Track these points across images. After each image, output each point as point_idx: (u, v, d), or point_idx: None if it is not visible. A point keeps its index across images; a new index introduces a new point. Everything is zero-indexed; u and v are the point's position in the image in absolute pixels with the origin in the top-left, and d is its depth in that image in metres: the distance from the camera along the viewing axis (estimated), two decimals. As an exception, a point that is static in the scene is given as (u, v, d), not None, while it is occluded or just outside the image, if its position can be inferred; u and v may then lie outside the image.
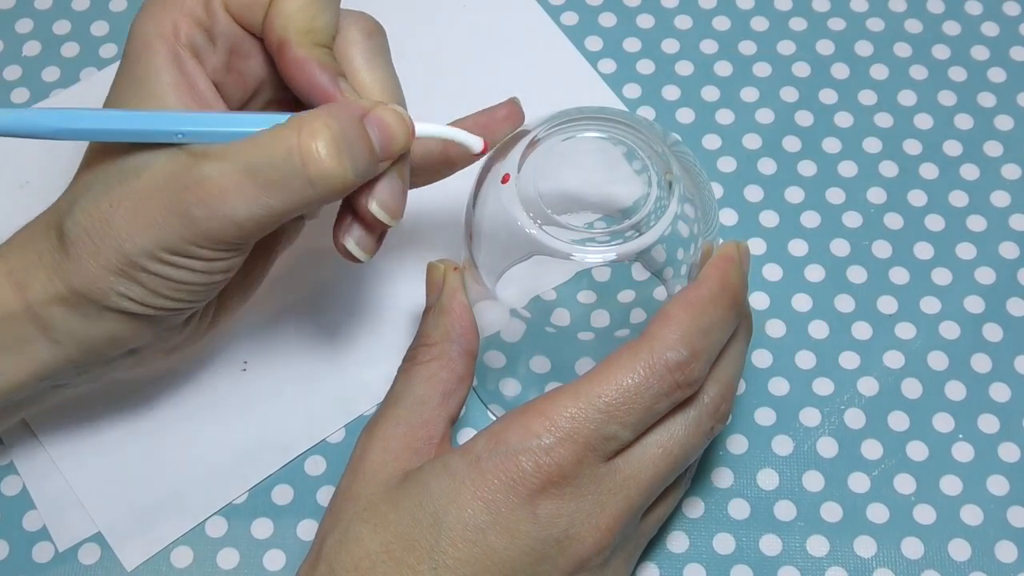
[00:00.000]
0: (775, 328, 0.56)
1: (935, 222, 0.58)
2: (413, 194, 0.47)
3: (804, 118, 0.61)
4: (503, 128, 0.48)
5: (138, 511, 0.52)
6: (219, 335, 0.55)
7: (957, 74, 0.62)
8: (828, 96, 0.61)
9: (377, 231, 0.46)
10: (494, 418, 0.52)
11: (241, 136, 0.43)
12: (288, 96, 0.46)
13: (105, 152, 0.45)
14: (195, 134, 0.43)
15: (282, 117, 0.43)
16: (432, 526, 0.42)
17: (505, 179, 0.47)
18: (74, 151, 0.48)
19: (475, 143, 0.47)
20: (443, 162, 0.48)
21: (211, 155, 0.43)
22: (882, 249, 0.58)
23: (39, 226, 0.45)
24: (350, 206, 0.45)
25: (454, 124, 0.48)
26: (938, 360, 0.55)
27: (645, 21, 0.64)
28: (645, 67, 0.62)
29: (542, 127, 0.48)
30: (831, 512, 0.52)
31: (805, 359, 0.55)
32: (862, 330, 0.56)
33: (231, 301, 0.50)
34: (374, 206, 0.45)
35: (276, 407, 0.54)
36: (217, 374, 0.55)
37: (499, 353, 0.51)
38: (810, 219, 0.58)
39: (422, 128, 0.45)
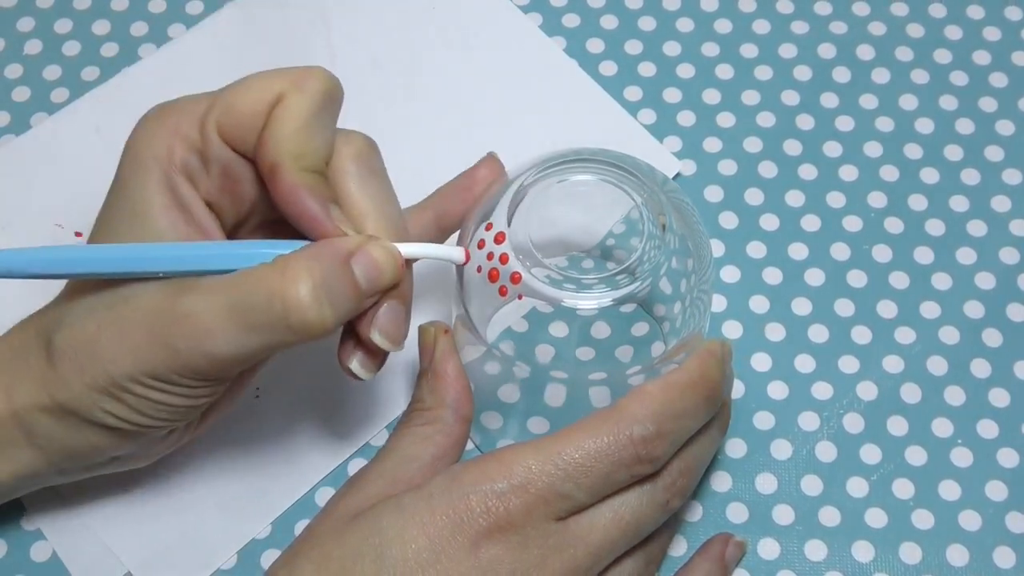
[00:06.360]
0: (774, 332, 0.56)
1: (935, 226, 0.58)
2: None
3: (805, 121, 0.61)
4: (484, 186, 0.49)
5: (159, 549, 0.51)
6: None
7: (958, 78, 0.62)
8: (829, 100, 0.61)
9: (380, 355, 0.46)
10: None
11: (224, 271, 0.43)
12: (282, 216, 0.45)
13: None
14: (176, 272, 0.43)
15: (270, 253, 0.43)
16: (374, 561, 0.42)
17: (488, 227, 0.46)
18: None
19: (457, 256, 0.47)
20: (435, 237, 0.50)
21: (197, 289, 0.43)
22: (882, 253, 0.58)
23: (30, 331, 0.46)
24: (353, 330, 0.45)
25: (439, 192, 0.49)
26: (937, 365, 0.55)
27: (647, 24, 0.63)
28: (646, 69, 0.62)
29: (532, 170, 0.47)
30: (829, 516, 0.52)
31: (804, 363, 0.55)
32: (862, 334, 0.56)
33: (211, 414, 0.49)
34: (376, 335, 0.44)
35: (290, 434, 0.53)
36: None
37: (496, 413, 0.51)
38: (810, 223, 0.58)
39: (408, 250, 0.45)
